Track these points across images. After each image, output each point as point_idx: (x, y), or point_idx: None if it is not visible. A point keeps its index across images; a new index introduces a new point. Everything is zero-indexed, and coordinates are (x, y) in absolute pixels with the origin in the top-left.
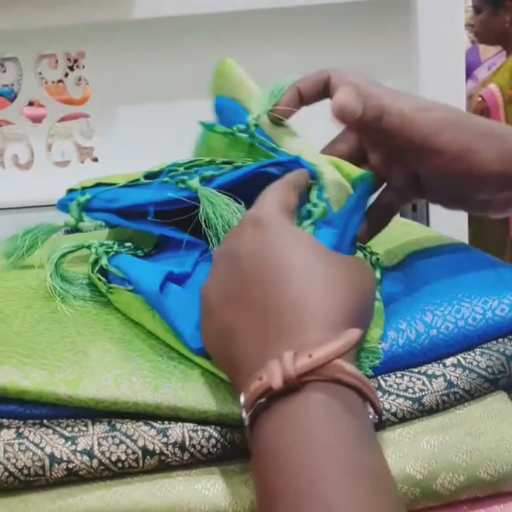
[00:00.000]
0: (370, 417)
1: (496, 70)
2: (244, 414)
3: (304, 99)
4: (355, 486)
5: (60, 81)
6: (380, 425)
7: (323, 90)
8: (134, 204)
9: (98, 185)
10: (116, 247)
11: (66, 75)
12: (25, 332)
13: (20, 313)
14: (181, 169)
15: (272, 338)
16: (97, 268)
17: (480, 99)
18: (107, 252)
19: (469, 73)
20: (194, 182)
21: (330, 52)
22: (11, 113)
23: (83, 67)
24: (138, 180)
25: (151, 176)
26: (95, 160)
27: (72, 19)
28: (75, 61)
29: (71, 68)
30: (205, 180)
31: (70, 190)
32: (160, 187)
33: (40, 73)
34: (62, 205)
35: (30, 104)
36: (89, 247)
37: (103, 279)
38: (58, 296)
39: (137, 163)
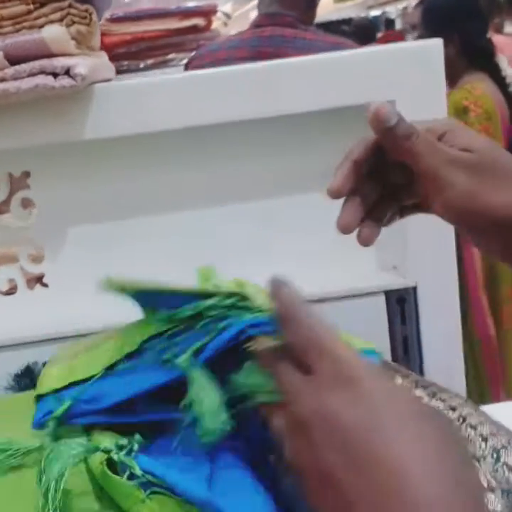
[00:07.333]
0: None
1: None
2: None
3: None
4: None
5: (3, 202)
6: None
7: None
8: (124, 399)
9: (70, 384)
10: (134, 445)
11: (9, 196)
12: None
13: None
14: (162, 343)
15: None
16: (126, 475)
17: None
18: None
19: None
20: (184, 360)
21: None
22: None
23: (28, 187)
24: (114, 364)
25: (129, 355)
26: (45, 285)
27: (17, 142)
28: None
29: (14, 189)
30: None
31: (39, 397)
32: (145, 370)
33: None
34: (40, 425)
35: None
36: (107, 451)
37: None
38: None
39: (91, 288)
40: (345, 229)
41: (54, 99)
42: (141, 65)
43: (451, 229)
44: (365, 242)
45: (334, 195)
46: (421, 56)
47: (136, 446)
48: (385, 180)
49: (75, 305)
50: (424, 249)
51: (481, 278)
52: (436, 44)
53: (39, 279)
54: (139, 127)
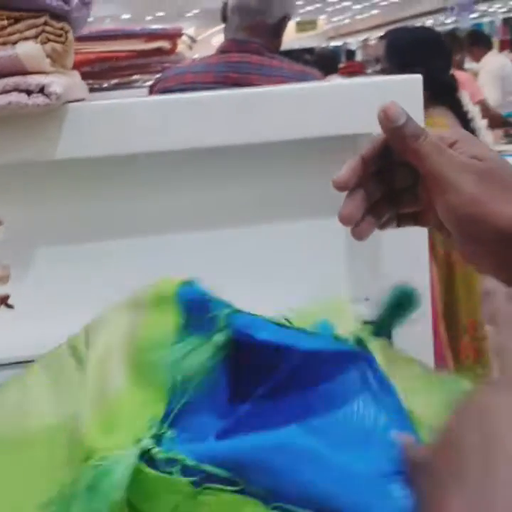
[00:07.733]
0: None
1: None
2: None
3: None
4: None
5: None
6: None
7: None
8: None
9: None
10: (169, 432)
11: None
12: None
13: None
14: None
15: None
16: (175, 468)
17: None
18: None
19: None
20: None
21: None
22: None
23: None
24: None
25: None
26: (10, 307)
27: None
28: None
29: None
30: None
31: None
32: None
33: None
34: (200, 302)
35: None
36: (147, 451)
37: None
38: None
39: (58, 309)
40: (347, 220)
41: (27, 117)
42: (105, 85)
43: (425, 259)
44: (360, 235)
45: (340, 186)
46: (402, 90)
47: (171, 433)
48: (390, 183)
49: (41, 327)
50: (397, 281)
51: (441, 308)
52: (417, 79)
53: (4, 300)
54: (112, 148)
